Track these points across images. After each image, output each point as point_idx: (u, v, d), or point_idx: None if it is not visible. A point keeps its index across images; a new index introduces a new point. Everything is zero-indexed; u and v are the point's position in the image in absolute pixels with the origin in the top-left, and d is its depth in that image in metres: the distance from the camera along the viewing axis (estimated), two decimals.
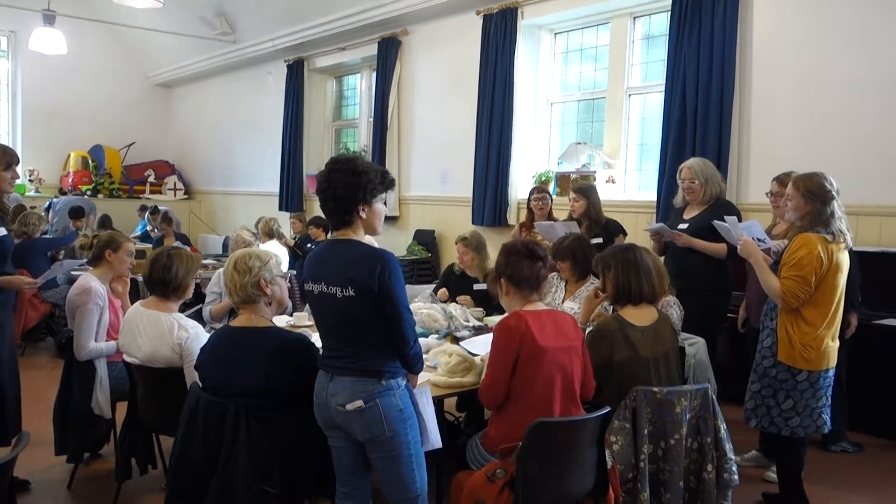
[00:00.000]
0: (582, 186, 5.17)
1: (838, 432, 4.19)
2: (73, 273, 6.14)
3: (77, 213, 8.90)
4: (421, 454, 2.50)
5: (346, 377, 2.40)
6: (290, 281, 4.79)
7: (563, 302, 4.00)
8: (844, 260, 3.12)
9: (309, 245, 7.49)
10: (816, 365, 3.11)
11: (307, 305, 4.79)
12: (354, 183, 2.40)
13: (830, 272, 3.05)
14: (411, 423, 2.45)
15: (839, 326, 3.21)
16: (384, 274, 2.34)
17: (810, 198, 3.07)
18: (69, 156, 11.79)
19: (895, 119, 4.61)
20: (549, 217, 5.41)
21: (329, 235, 2.55)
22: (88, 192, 11.30)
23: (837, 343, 3.20)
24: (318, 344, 2.81)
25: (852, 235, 3.17)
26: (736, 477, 2.88)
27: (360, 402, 2.37)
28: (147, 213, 9.78)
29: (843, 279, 3.13)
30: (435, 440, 2.56)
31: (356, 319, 2.39)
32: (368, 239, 2.58)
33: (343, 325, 2.42)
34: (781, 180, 3.87)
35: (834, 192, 3.07)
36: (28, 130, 11.71)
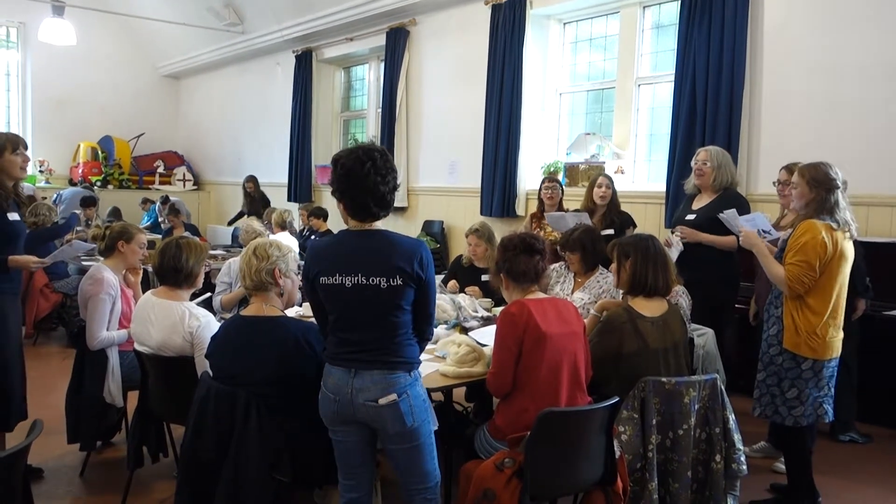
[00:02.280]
0: (608, 174, 5.21)
1: (847, 422, 4.19)
2: (84, 263, 6.19)
3: (89, 202, 8.96)
4: (434, 442, 2.51)
5: (374, 371, 2.37)
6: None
7: (572, 293, 4.01)
8: (850, 249, 3.12)
9: (312, 237, 7.51)
10: (821, 354, 3.11)
11: None
12: (396, 175, 2.46)
13: (835, 260, 3.05)
14: (430, 411, 2.48)
15: (843, 317, 3.21)
16: (428, 263, 2.40)
17: (815, 185, 3.08)
18: (79, 146, 11.84)
19: None
20: (559, 207, 5.41)
21: (350, 226, 2.49)
22: (98, 183, 11.36)
23: (842, 334, 3.20)
24: None
25: (857, 226, 3.18)
26: (744, 468, 2.88)
27: (394, 396, 2.35)
28: (158, 203, 9.83)
29: (847, 268, 3.13)
30: (433, 420, 2.58)
31: (396, 309, 2.37)
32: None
33: (380, 316, 2.38)
34: (790, 169, 3.87)
35: (839, 182, 3.08)
36: (38, 121, 11.77)
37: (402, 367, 2.38)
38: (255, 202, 9.40)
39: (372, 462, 2.57)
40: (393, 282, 2.34)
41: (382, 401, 2.35)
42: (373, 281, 2.35)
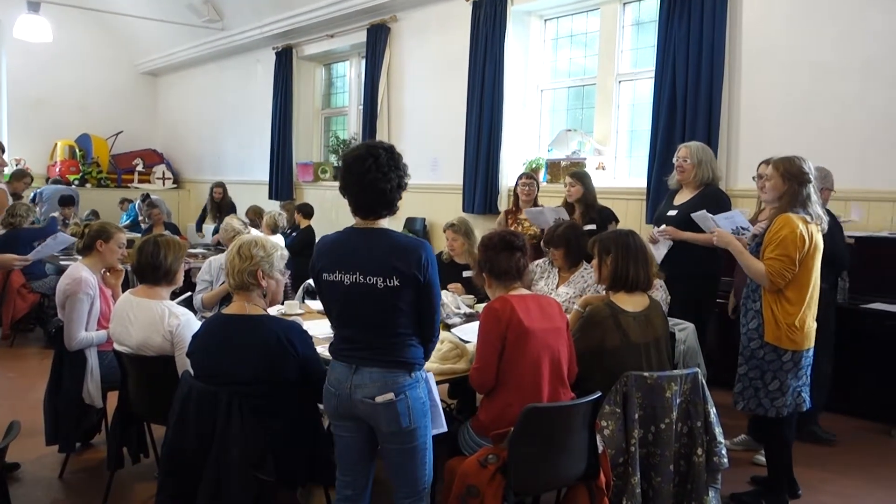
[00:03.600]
0: (578, 172, 5.18)
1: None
2: (62, 263, 6.12)
3: (67, 201, 8.86)
4: (431, 448, 2.49)
5: (374, 368, 2.36)
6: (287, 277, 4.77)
7: (556, 288, 4.02)
8: (821, 242, 3.20)
9: (292, 233, 7.47)
10: (800, 345, 3.18)
11: (298, 294, 4.82)
12: (406, 171, 2.45)
13: (810, 252, 3.11)
14: (429, 415, 2.45)
15: (817, 307, 3.26)
16: (428, 263, 2.34)
17: (788, 178, 3.13)
18: (56, 145, 11.70)
19: (883, 104, 4.63)
20: (535, 204, 5.42)
21: (355, 224, 2.47)
22: (76, 182, 11.22)
23: (815, 324, 3.26)
24: (311, 332, 2.81)
25: (828, 220, 3.23)
26: (725, 460, 2.90)
27: (391, 395, 2.34)
28: (138, 201, 9.71)
29: (819, 260, 3.20)
30: (442, 424, 2.56)
31: (394, 310, 2.34)
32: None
33: (377, 316, 2.36)
34: (769, 163, 3.90)
35: (811, 176, 3.14)
36: (14, 119, 11.60)
37: (401, 367, 2.37)
38: (222, 209, 8.87)
39: (370, 462, 2.56)
40: (390, 282, 2.32)
41: (379, 399, 2.34)
42: (370, 280, 2.33)
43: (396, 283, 2.31)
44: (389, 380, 2.35)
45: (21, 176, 8.08)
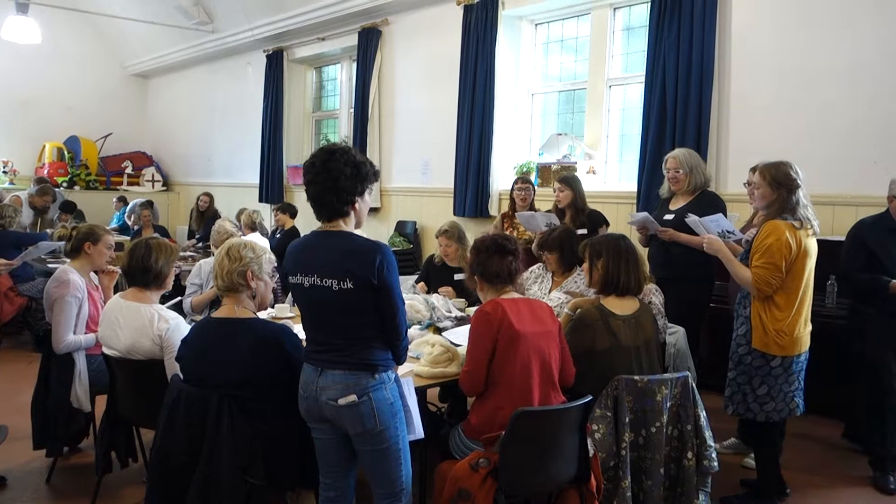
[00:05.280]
0: (567, 176, 5.18)
1: None
2: (50, 266, 6.08)
3: (68, 206, 8.81)
4: (407, 448, 2.49)
5: (337, 371, 2.37)
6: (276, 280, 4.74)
7: (549, 292, 4.02)
8: (813, 246, 3.19)
9: (277, 234, 7.46)
10: (789, 350, 3.18)
11: (288, 297, 4.81)
12: (355, 174, 2.39)
13: (799, 258, 3.11)
14: (400, 416, 2.45)
15: (810, 311, 3.26)
16: (383, 266, 2.32)
17: (776, 186, 3.14)
18: (44, 147, 11.61)
19: (872, 110, 4.67)
20: (531, 208, 5.43)
21: (319, 227, 2.48)
22: (64, 184, 11.15)
23: (810, 328, 3.26)
24: (301, 335, 2.80)
25: (818, 223, 3.24)
26: (715, 464, 2.91)
27: (353, 397, 2.34)
28: (134, 204, 9.60)
29: (811, 265, 3.19)
30: (418, 430, 2.56)
31: (351, 312, 2.35)
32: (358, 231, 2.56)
33: (336, 319, 2.37)
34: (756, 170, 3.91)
35: (799, 181, 3.14)
36: (1, 121, 11.51)
37: (364, 369, 2.37)
38: (205, 218, 8.89)
39: (350, 463, 2.55)
40: (344, 285, 2.32)
41: (342, 401, 2.35)
42: (326, 283, 2.35)
43: (350, 285, 2.31)
44: (352, 382, 2.36)
45: (44, 192, 8.12)
